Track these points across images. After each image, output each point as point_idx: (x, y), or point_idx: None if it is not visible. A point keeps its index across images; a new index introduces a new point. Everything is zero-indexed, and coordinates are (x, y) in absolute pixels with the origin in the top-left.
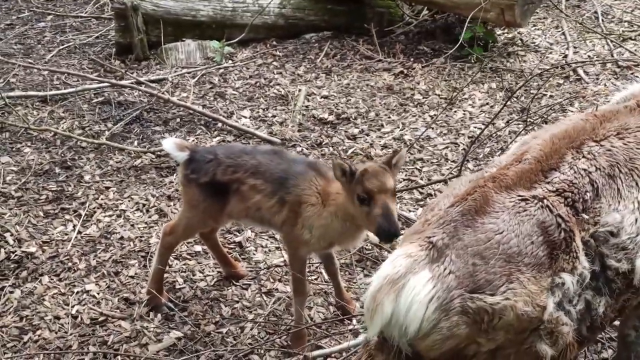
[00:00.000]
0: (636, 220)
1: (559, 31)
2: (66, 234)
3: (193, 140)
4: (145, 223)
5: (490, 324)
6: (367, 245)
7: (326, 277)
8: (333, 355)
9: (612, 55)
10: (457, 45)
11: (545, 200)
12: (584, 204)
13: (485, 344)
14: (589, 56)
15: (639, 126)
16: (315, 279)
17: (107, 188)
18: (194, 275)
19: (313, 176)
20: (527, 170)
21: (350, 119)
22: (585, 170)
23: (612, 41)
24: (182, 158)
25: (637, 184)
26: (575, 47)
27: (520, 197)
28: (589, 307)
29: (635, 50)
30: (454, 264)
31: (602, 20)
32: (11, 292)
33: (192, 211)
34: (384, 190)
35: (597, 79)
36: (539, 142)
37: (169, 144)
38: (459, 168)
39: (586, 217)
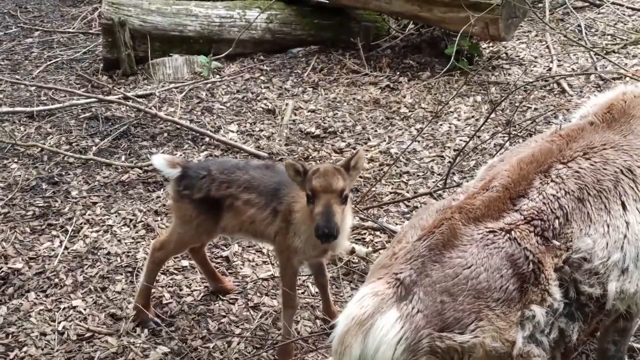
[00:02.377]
0: (607, 244)
1: (543, 44)
2: (53, 250)
3: (181, 155)
4: (132, 238)
5: None
6: (354, 259)
7: (313, 291)
8: None
9: (596, 68)
10: (444, 59)
11: (513, 232)
12: (553, 231)
13: None
14: (572, 69)
15: (604, 144)
16: (302, 293)
17: (94, 203)
18: (180, 290)
19: None
20: (495, 198)
21: (337, 133)
22: (554, 195)
23: (595, 54)
24: (174, 174)
25: (605, 206)
26: (559, 60)
27: (488, 229)
28: (562, 334)
29: (619, 62)
30: (422, 302)
31: (586, 33)
32: None
33: (184, 227)
34: (329, 190)
35: (581, 91)
36: (507, 167)
37: (159, 160)
38: (444, 181)
39: (557, 243)
